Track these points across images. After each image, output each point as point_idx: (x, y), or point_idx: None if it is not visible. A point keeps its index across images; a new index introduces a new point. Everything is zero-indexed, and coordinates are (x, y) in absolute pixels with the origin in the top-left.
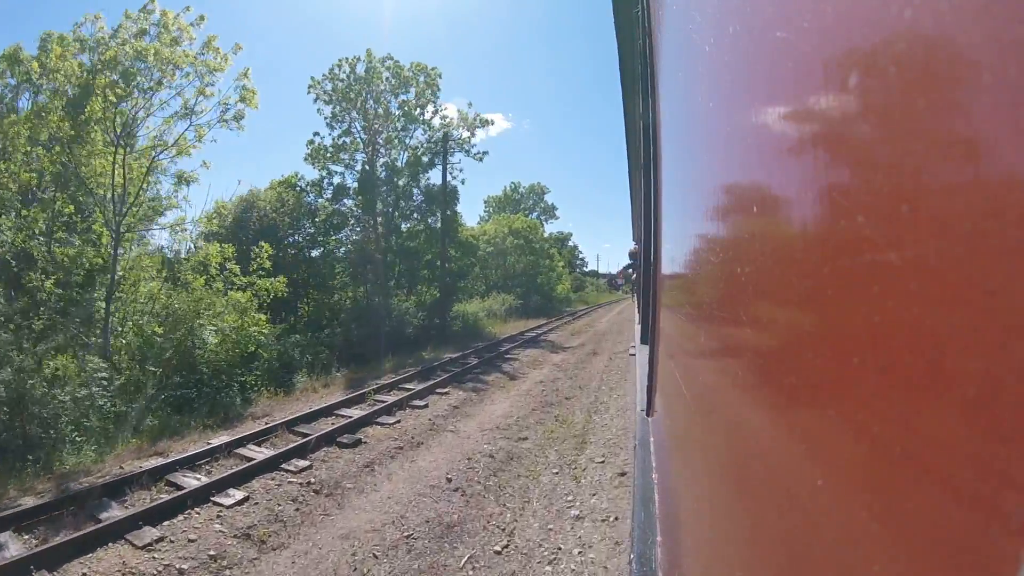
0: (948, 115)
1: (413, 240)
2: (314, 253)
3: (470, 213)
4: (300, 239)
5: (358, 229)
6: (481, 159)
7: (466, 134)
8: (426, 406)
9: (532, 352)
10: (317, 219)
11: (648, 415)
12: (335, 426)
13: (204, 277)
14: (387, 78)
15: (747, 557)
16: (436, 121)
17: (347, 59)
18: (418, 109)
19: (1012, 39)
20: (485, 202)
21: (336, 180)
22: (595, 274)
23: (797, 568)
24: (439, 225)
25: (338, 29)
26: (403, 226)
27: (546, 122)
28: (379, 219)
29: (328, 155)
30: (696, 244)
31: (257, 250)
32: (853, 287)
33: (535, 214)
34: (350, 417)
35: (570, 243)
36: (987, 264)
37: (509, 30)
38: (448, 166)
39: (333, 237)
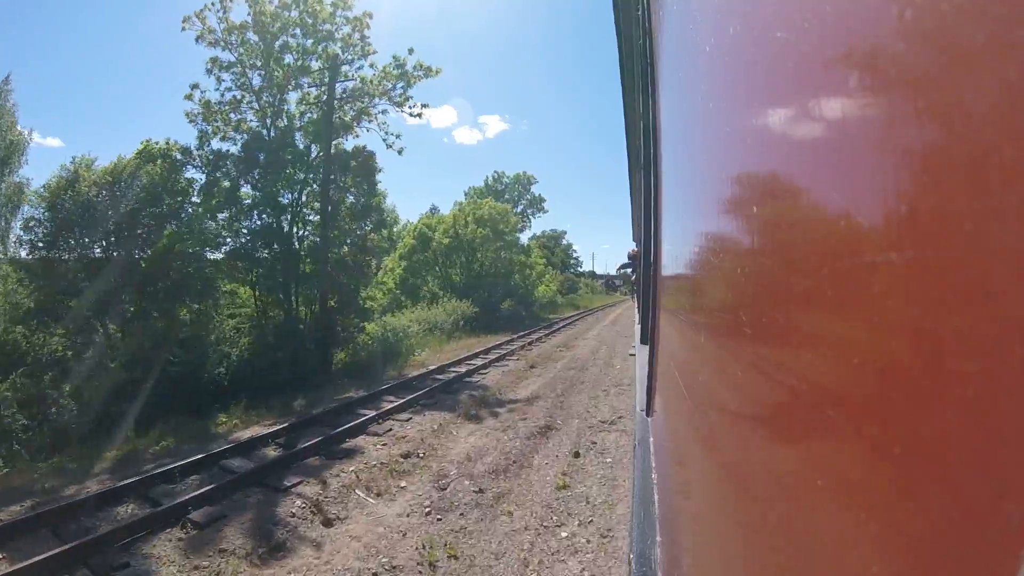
0: (949, 115)
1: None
2: (211, 249)
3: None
4: (149, 226)
5: (241, 212)
6: (420, 115)
7: (399, 89)
8: None
9: (419, 425)
10: (180, 200)
11: (648, 415)
12: None
13: None
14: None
15: (747, 557)
16: (367, 71)
17: None
18: (341, 50)
19: (1012, 39)
20: (466, 193)
21: (225, 146)
22: (592, 275)
23: (796, 568)
24: (362, 201)
25: None
26: (307, 212)
27: (544, 123)
28: (302, 196)
29: (217, 113)
30: (696, 244)
31: None
32: (853, 287)
33: (520, 207)
34: None
35: (564, 241)
36: (987, 265)
37: (508, 30)
38: (371, 123)
39: (197, 225)
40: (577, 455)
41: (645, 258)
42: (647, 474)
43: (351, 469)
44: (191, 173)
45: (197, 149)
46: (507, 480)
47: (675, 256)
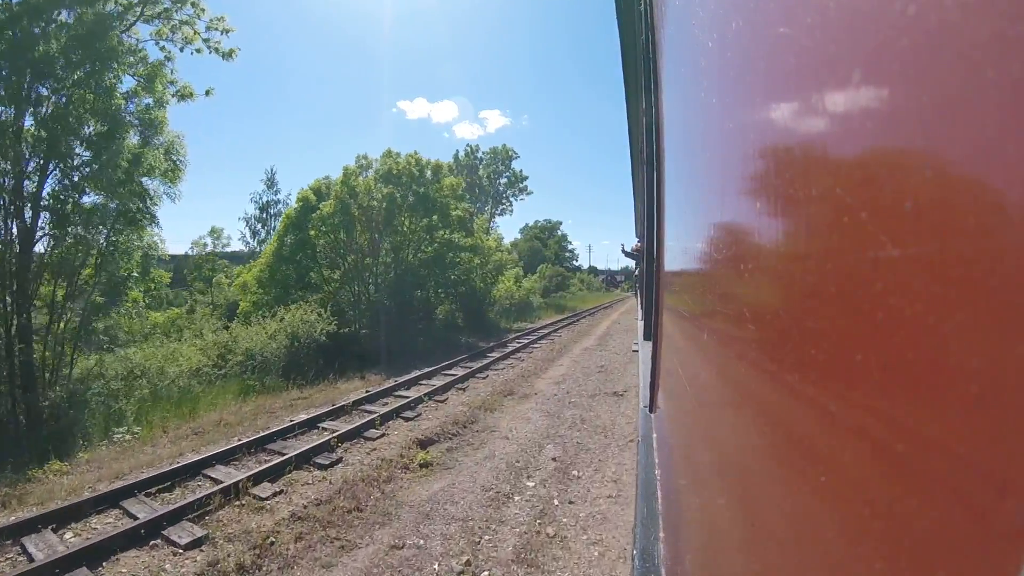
0: (952, 112)
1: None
2: None
3: None
4: None
5: None
6: (224, 34)
7: None
8: None
9: None
10: None
11: (651, 411)
12: None
13: None
14: None
15: (749, 553)
16: None
17: None
18: None
19: (1015, 37)
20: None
21: None
22: (592, 271)
23: (798, 565)
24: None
25: (339, 26)
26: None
27: (545, 118)
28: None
29: None
30: (699, 240)
31: None
32: (856, 284)
33: (499, 186)
34: None
35: (559, 232)
36: (990, 262)
37: (509, 26)
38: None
39: None
40: None
41: (648, 254)
42: (650, 470)
43: None
44: None
45: None
46: None
47: (678, 252)
